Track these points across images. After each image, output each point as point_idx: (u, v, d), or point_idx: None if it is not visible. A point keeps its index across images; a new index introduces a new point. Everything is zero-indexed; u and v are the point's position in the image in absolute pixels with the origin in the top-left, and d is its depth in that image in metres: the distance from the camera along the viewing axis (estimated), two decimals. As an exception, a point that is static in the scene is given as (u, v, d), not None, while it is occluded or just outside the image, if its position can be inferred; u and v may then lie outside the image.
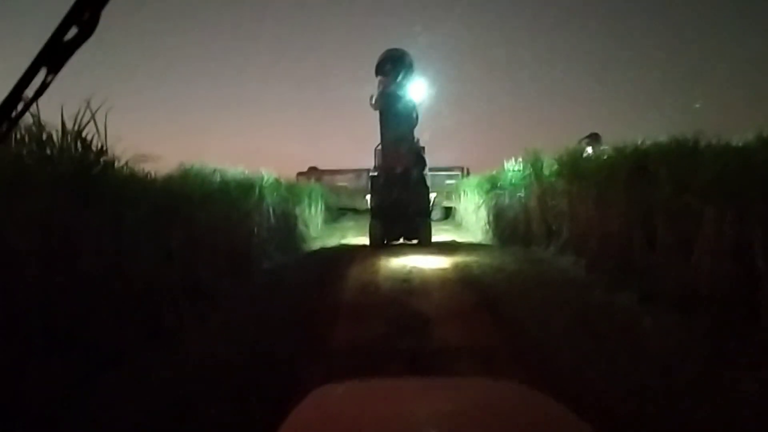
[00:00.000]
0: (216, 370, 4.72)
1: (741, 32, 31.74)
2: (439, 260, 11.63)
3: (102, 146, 4.97)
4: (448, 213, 25.18)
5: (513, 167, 14.28)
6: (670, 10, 31.24)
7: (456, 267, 10.65)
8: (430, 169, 22.58)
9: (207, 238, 8.09)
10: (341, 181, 27.08)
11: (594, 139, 14.93)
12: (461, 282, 9.12)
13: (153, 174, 7.36)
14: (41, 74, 0.99)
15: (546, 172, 11.93)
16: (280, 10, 41.49)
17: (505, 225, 14.25)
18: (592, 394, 4.20)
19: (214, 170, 9.70)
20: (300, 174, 26.36)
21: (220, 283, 7.91)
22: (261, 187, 11.72)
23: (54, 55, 0.98)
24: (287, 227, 13.95)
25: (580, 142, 14.66)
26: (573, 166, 10.27)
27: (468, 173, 24.76)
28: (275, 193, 12.87)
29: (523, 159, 13.37)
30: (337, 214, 24.88)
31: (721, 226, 5.62)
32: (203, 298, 7.11)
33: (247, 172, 11.19)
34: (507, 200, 14.36)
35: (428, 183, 15.64)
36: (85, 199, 4.53)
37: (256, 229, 10.98)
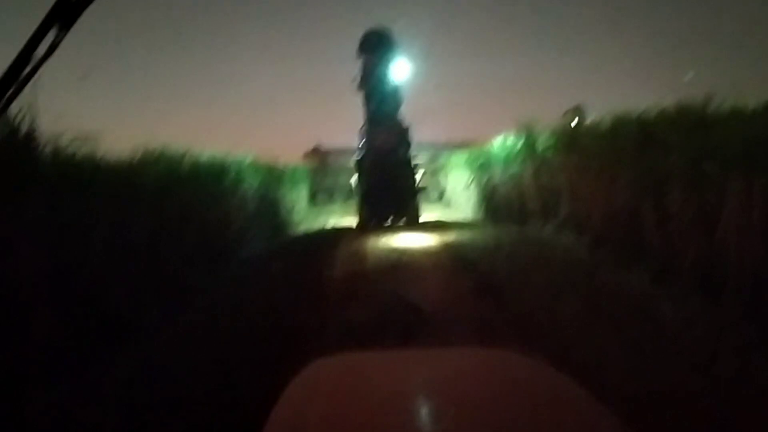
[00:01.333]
0: (176, 388, 4.03)
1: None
2: (431, 242, 11.04)
3: (32, 126, 4.19)
4: None
5: (505, 141, 13.59)
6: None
7: (449, 249, 10.02)
8: (439, 145, 22.46)
9: (174, 227, 7.35)
10: (349, 160, 25.61)
11: (578, 111, 14.31)
12: (456, 266, 8.47)
13: (118, 158, 6.68)
14: (53, 32, 0.96)
15: (540, 145, 11.24)
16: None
17: (498, 202, 13.62)
18: (617, 397, 3.58)
19: (184, 153, 8.92)
20: (306, 153, 25.70)
21: (190, 277, 7.18)
22: (238, 171, 10.98)
23: (66, 11, 0.96)
24: (268, 212, 13.20)
25: (564, 114, 14.22)
26: (571, 138, 9.59)
27: None
28: (254, 177, 12.12)
29: (515, 132, 12.64)
30: (347, 195, 23.66)
31: (749, 198, 4.97)
32: (171, 295, 6.39)
33: (221, 154, 10.39)
34: (499, 176, 13.69)
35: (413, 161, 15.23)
36: (7, 190, 3.77)
37: (232, 216, 10.22)
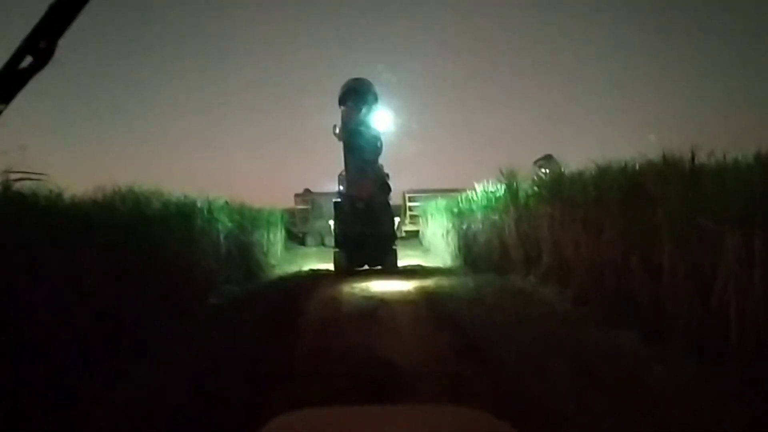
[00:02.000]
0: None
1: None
2: (409, 291, 10.65)
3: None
4: None
5: (486, 189, 13.40)
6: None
7: (428, 299, 9.62)
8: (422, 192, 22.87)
9: (137, 271, 6.85)
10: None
11: (548, 160, 14.30)
12: (435, 319, 8.05)
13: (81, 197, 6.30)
14: None
15: (522, 193, 11.02)
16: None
17: (478, 251, 13.32)
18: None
19: (152, 193, 8.50)
20: (297, 195, 26.15)
21: (151, 327, 6.65)
22: (209, 212, 10.56)
23: (6, 85, 0.93)
24: (241, 255, 12.73)
25: (535, 163, 14.17)
26: (555, 187, 9.36)
27: None
28: (227, 219, 11.69)
29: (497, 180, 12.45)
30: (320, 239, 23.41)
31: (749, 255, 4.67)
32: (126, 348, 5.86)
33: (192, 195, 9.97)
34: (480, 224, 13.44)
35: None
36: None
37: (202, 259, 9.73)
